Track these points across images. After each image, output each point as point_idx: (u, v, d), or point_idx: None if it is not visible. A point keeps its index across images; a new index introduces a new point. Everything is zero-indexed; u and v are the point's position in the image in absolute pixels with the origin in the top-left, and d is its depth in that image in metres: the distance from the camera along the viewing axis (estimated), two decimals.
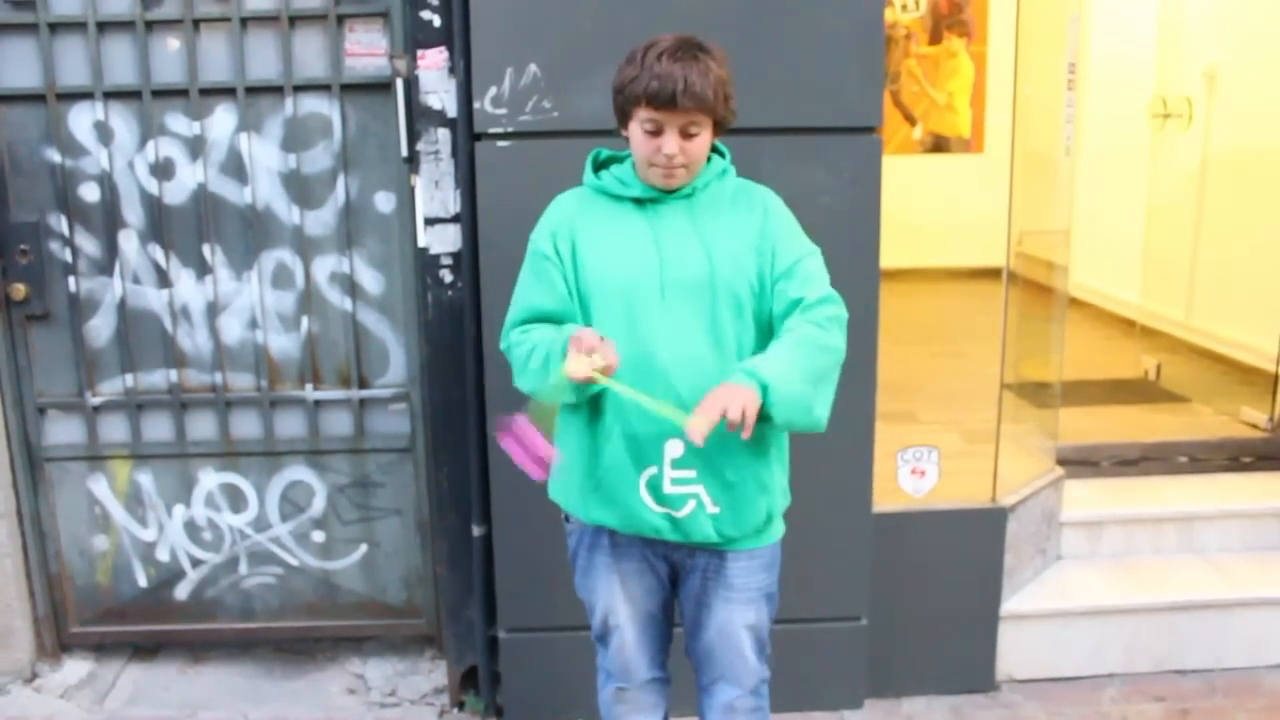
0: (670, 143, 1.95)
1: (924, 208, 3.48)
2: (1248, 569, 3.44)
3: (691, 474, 2.03)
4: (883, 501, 3.03)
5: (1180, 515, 3.57)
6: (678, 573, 2.21)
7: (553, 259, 2.07)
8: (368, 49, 3.00)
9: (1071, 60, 3.49)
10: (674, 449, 2.01)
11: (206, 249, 3.10)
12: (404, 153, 2.90)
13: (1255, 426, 4.10)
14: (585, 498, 2.12)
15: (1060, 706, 3.14)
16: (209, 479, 3.25)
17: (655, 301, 2.00)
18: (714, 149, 2.10)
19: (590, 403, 2.05)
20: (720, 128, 2.02)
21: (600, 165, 2.15)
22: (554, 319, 2.08)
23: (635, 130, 1.99)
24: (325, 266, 3.13)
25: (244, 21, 2.97)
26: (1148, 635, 3.28)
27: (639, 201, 2.05)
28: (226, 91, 3.02)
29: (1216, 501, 3.62)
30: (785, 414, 1.91)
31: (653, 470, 2.03)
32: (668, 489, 2.03)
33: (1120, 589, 3.34)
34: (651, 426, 2.00)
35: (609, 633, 2.26)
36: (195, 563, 3.31)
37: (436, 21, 2.78)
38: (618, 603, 2.22)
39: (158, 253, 3.11)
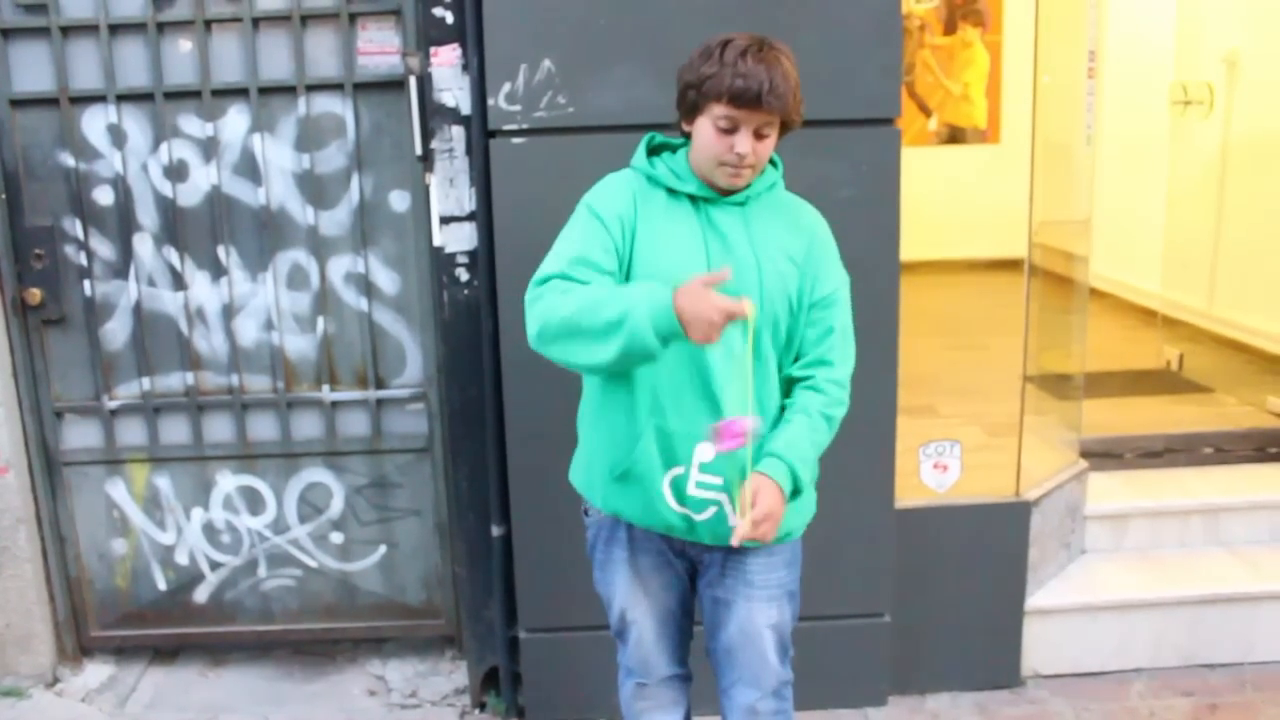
0: (744, 142, 1.92)
1: (941, 200, 3.45)
2: (1276, 561, 3.39)
3: (718, 481, 2.00)
4: (905, 497, 3.00)
5: (1206, 507, 3.52)
6: (696, 569, 2.19)
7: (612, 232, 1.99)
8: (380, 47, 2.98)
9: (1092, 48, 3.44)
10: (704, 453, 1.99)
11: (221, 251, 3.09)
12: (418, 151, 2.88)
13: None
14: (607, 487, 2.10)
15: (1087, 702, 3.10)
16: (227, 481, 3.24)
17: None
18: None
19: (624, 393, 2.02)
20: (786, 130, 1.99)
21: (652, 150, 2.10)
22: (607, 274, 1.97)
23: (706, 126, 1.94)
24: (340, 266, 3.12)
25: (256, 21, 2.96)
26: (1175, 629, 3.24)
27: (693, 199, 2.02)
28: (239, 92, 3.01)
29: (1243, 493, 3.58)
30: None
31: (679, 470, 2.01)
32: (691, 490, 2.01)
33: (1146, 582, 3.30)
34: (686, 425, 1.98)
35: (627, 628, 2.24)
36: (214, 565, 3.30)
37: (449, 18, 2.76)
38: (635, 597, 2.20)
39: (172, 255, 3.10)
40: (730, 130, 1.92)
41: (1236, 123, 4.69)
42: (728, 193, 2.01)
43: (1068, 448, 3.53)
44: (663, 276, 1.92)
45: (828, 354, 2.06)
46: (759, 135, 1.93)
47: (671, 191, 2.03)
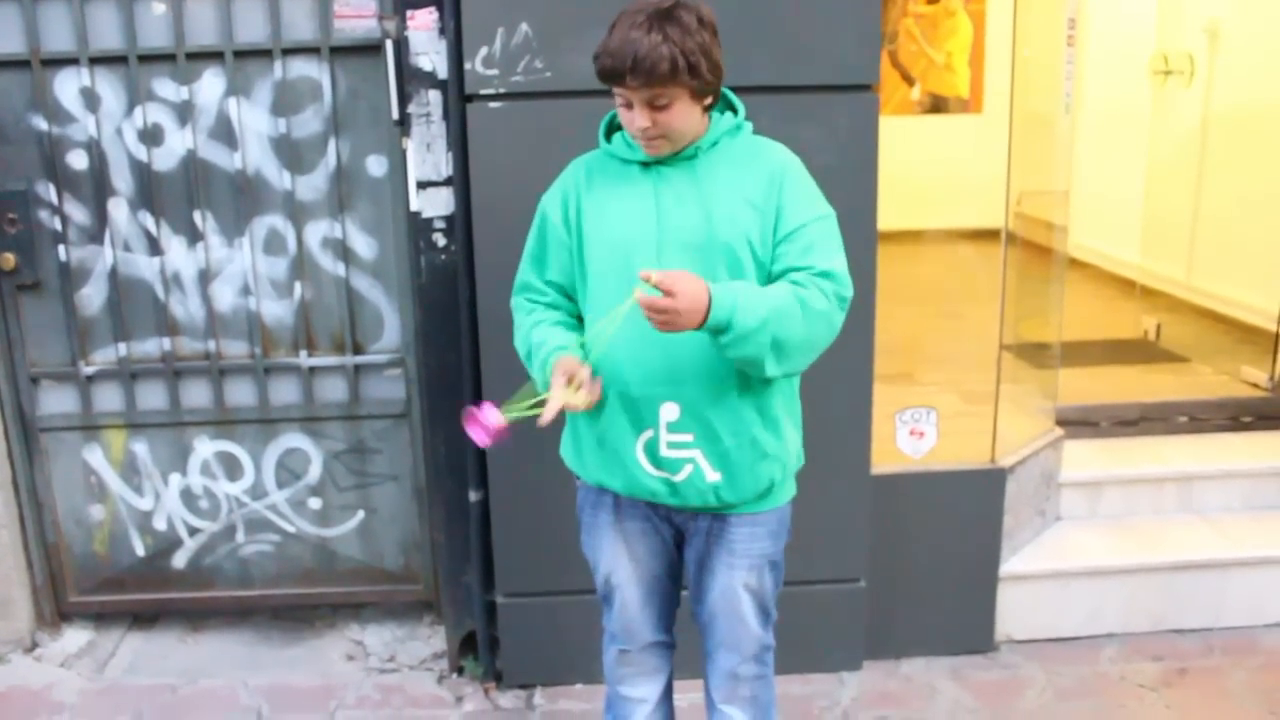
0: (640, 117, 1.92)
1: (922, 169, 3.45)
2: (1247, 528, 3.43)
3: (688, 438, 2.01)
4: (881, 463, 3.02)
5: (1180, 475, 3.56)
6: (683, 536, 2.20)
7: (560, 226, 2.08)
8: (356, 10, 2.95)
9: (1071, 16, 3.44)
10: (669, 412, 2.00)
11: (197, 215, 3.07)
12: (395, 115, 2.87)
13: (1256, 386, 4.08)
14: (587, 459, 2.13)
15: (1059, 666, 3.14)
16: (204, 447, 3.23)
17: (651, 261, 1.97)
18: (728, 104, 2.06)
19: (592, 364, 2.02)
20: (701, 95, 1.94)
21: (613, 128, 2.11)
22: (557, 289, 2.14)
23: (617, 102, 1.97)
24: (317, 232, 3.10)
25: None
26: (1146, 595, 3.28)
27: (644, 165, 2.03)
28: (214, 55, 2.98)
29: (1216, 461, 3.62)
30: (734, 354, 1.88)
31: (649, 434, 2.02)
32: (664, 452, 2.03)
33: (1119, 549, 3.34)
34: (646, 389, 1.99)
35: (611, 592, 2.25)
36: (192, 531, 3.30)
37: None
38: (620, 562, 2.21)
39: (148, 220, 3.08)
40: (627, 105, 1.93)
41: (1217, 93, 4.70)
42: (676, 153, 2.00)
43: (1044, 415, 3.55)
44: (609, 242, 2.02)
45: (798, 260, 1.96)
46: (655, 107, 1.90)
47: (625, 161, 2.05)
